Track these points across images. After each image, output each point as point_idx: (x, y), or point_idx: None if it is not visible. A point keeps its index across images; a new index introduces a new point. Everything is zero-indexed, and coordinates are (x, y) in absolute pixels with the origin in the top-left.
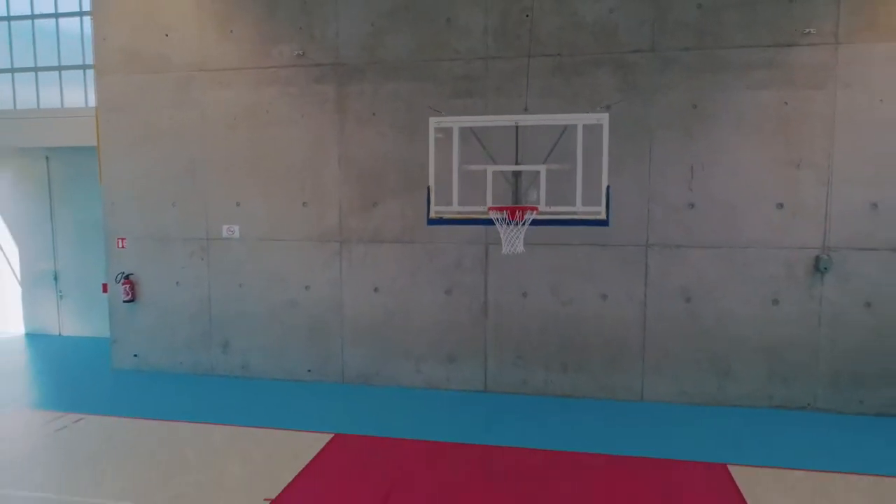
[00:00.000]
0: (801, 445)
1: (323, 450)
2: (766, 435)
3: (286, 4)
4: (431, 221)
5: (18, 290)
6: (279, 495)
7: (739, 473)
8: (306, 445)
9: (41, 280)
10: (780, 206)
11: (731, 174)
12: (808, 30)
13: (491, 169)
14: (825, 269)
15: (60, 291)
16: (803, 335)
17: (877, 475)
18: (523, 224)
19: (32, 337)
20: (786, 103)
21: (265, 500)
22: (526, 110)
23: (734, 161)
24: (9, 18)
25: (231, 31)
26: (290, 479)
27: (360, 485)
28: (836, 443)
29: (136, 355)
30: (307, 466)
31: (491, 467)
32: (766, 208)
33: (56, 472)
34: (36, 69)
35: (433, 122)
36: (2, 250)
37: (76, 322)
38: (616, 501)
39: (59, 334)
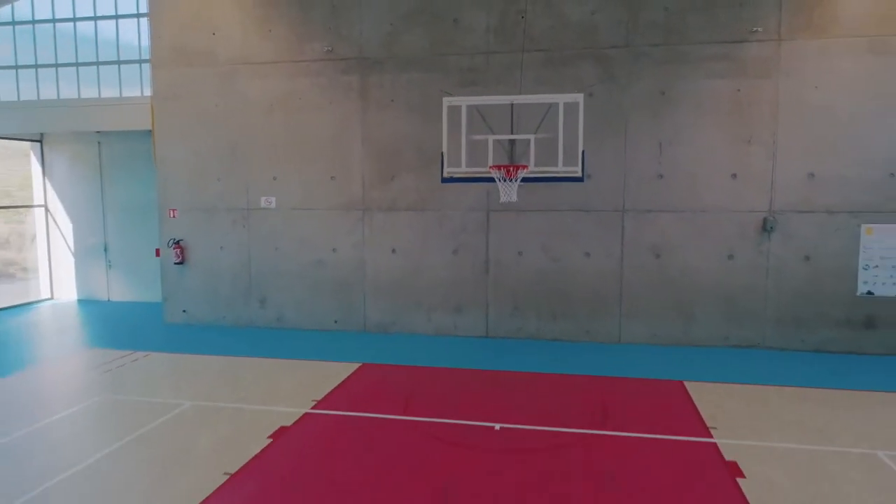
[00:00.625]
0: (747, 371)
1: (354, 373)
2: (720, 365)
3: (318, 8)
4: (445, 180)
5: (72, 260)
6: (324, 397)
7: (692, 387)
8: (340, 370)
9: (92, 252)
10: (734, 176)
11: (692, 149)
12: (755, 28)
13: (491, 138)
14: (771, 228)
15: (109, 262)
16: (753, 284)
17: (801, 386)
18: (516, 180)
19: (84, 302)
20: (738, 90)
21: (313, 399)
22: (520, 94)
23: (695, 138)
24: (74, 20)
25: (270, 31)
26: (329, 390)
27: (386, 393)
28: (776, 369)
29: (185, 311)
30: (342, 382)
31: (489, 383)
32: (722, 178)
33: (140, 385)
34: (98, 63)
35: (446, 101)
36: (58, 226)
37: (123, 288)
38: (588, 404)
39: (108, 299)
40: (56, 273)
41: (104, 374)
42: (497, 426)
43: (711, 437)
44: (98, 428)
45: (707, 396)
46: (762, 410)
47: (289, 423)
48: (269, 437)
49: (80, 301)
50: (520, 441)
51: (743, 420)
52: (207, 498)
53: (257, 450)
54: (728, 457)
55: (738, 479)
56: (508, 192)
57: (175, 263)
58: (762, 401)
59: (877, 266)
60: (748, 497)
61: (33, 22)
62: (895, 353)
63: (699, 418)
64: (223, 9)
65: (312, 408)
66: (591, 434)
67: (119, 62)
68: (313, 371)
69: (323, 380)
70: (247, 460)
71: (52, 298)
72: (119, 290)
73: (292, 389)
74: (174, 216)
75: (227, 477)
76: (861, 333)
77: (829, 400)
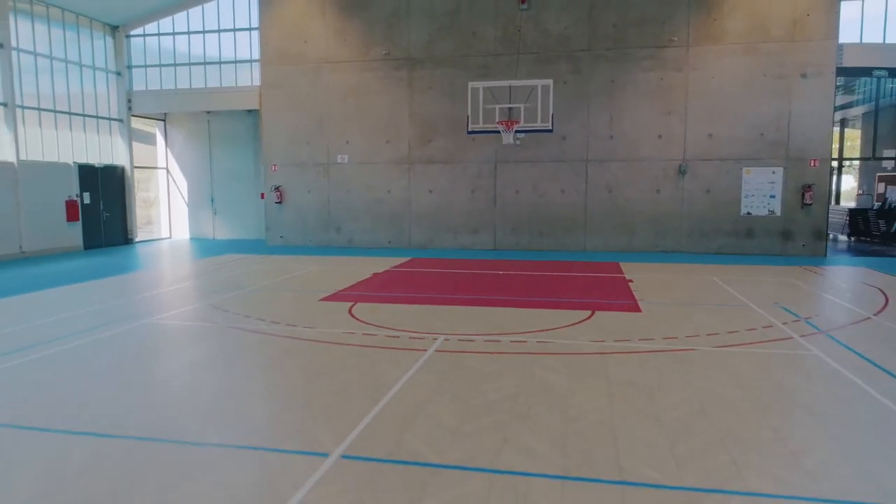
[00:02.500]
0: (633, 259)
1: (408, 260)
2: (648, 259)
3: (379, 24)
4: (469, 132)
5: (186, 209)
6: (394, 266)
7: (624, 265)
8: (399, 259)
9: (201, 202)
10: (660, 136)
11: (632, 119)
12: (672, 38)
13: (497, 107)
14: (684, 171)
15: (214, 209)
16: (673, 209)
17: (688, 263)
18: (513, 131)
19: (195, 239)
20: (661, 79)
21: (389, 266)
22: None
23: (634, 112)
24: (203, 32)
25: (345, 39)
26: (396, 264)
27: (431, 265)
28: (681, 261)
29: (282, 237)
30: (403, 262)
31: (496, 264)
32: (652, 137)
33: (276, 264)
34: (220, 62)
35: (471, 84)
36: (175, 183)
37: (225, 229)
38: (558, 267)
39: (214, 237)
40: (173, 218)
41: (246, 262)
42: (500, 272)
43: (624, 275)
44: (266, 273)
45: (630, 267)
46: (657, 270)
47: (379, 271)
48: (371, 274)
49: (192, 238)
50: (514, 276)
51: (643, 271)
52: (348, 287)
53: (367, 276)
54: (628, 278)
55: (630, 283)
56: (507, 138)
57: (275, 203)
58: (660, 268)
59: (753, 195)
60: (631, 288)
61: (174, 34)
62: (766, 254)
63: (621, 271)
64: (312, 23)
65: (390, 268)
66: (557, 274)
67: (236, 62)
68: (383, 260)
69: (390, 262)
70: (363, 279)
71: (170, 237)
72: (222, 230)
73: (374, 265)
74: (275, 170)
75: (355, 282)
76: (744, 241)
77: (699, 267)
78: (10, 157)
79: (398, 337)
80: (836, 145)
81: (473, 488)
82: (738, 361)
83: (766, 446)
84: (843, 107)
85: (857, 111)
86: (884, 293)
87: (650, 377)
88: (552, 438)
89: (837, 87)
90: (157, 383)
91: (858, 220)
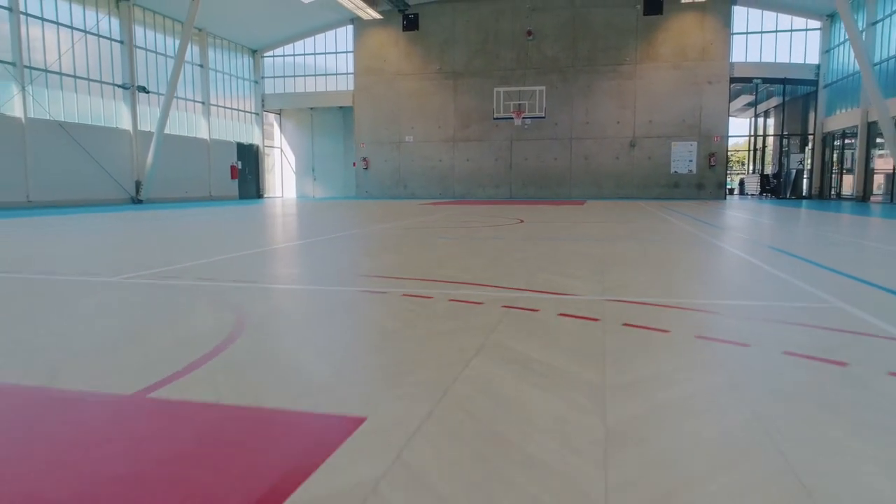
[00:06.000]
0: (616, 201)
1: (455, 202)
2: (607, 200)
3: (434, 49)
4: (495, 118)
5: (293, 177)
6: (446, 202)
7: (588, 202)
8: (443, 203)
9: (305, 171)
10: (618, 122)
11: (602, 111)
12: (626, 59)
13: (512, 102)
14: (634, 145)
15: (315, 176)
16: (627, 170)
17: (629, 201)
18: (521, 118)
19: (301, 196)
20: (619, 85)
21: (442, 201)
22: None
23: (603, 106)
24: (315, 54)
25: (411, 59)
26: (447, 202)
27: (466, 204)
28: (625, 203)
29: (367, 191)
30: (452, 202)
31: (511, 201)
32: (613, 123)
33: (370, 206)
34: (326, 74)
35: (495, 89)
36: (286, 158)
37: (322, 190)
38: (551, 202)
39: (314, 196)
40: (284, 183)
41: (351, 201)
42: (514, 203)
43: (582, 202)
44: (371, 203)
45: (589, 203)
46: (607, 204)
47: (442, 202)
48: (437, 202)
49: (298, 196)
50: (524, 205)
51: (595, 206)
52: (431, 202)
53: (433, 202)
54: (586, 205)
55: (585, 203)
56: (518, 122)
57: (363, 169)
58: (611, 202)
59: (678, 160)
60: (585, 205)
61: (294, 55)
62: (686, 198)
63: (581, 204)
64: (389, 49)
65: (447, 202)
66: (549, 206)
67: (337, 73)
68: (440, 203)
69: (445, 202)
70: (432, 202)
71: (281, 196)
72: (319, 191)
73: (435, 203)
74: (363, 146)
75: (428, 204)
76: (672, 190)
77: (638, 202)
78: (205, 135)
79: (467, 209)
80: (759, 131)
81: (488, 212)
82: (616, 212)
83: (599, 229)
84: (762, 101)
85: (770, 104)
86: (723, 208)
87: (570, 212)
88: (537, 214)
89: (757, 90)
90: (363, 211)
91: (765, 182)
